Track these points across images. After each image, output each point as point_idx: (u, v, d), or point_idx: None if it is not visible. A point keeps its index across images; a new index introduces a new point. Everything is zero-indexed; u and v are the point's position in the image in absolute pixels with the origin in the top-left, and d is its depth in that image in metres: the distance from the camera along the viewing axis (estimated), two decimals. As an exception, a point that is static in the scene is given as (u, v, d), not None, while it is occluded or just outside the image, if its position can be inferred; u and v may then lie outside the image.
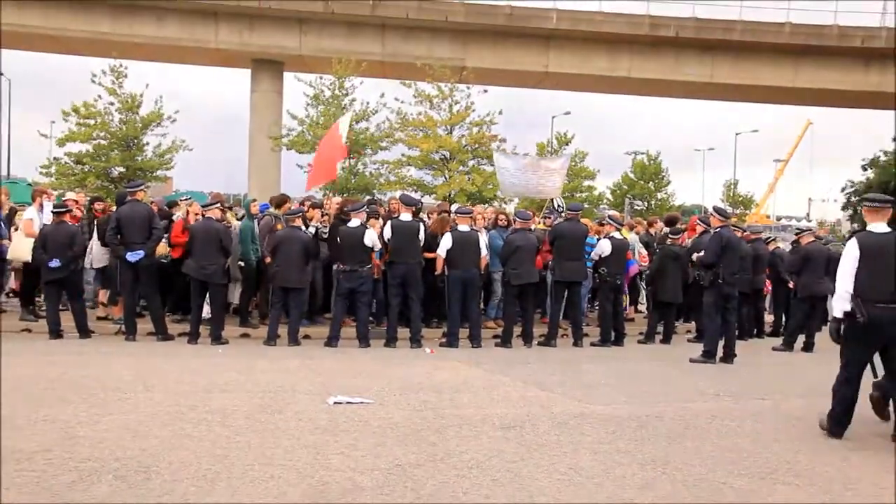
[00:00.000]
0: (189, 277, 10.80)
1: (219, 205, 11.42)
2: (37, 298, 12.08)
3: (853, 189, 45.55)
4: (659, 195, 40.43)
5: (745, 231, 13.79)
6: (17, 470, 4.68)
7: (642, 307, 15.53)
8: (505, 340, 11.53)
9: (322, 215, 12.18)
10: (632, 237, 14.02)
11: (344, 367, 9.06)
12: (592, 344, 11.98)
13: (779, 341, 12.78)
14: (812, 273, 12.23)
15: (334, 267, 11.69)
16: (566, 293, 11.95)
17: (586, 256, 12.05)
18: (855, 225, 40.61)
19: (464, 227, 11.36)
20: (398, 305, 11.15)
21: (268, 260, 11.19)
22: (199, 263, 10.60)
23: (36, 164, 21.73)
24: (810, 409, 7.31)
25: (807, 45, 35.47)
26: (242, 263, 11.53)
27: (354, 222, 10.97)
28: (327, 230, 11.93)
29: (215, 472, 4.75)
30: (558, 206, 14.75)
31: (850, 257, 6.26)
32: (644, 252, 14.24)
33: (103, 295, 12.04)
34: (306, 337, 11.27)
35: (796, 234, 14.49)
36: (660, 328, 13.06)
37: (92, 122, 20.29)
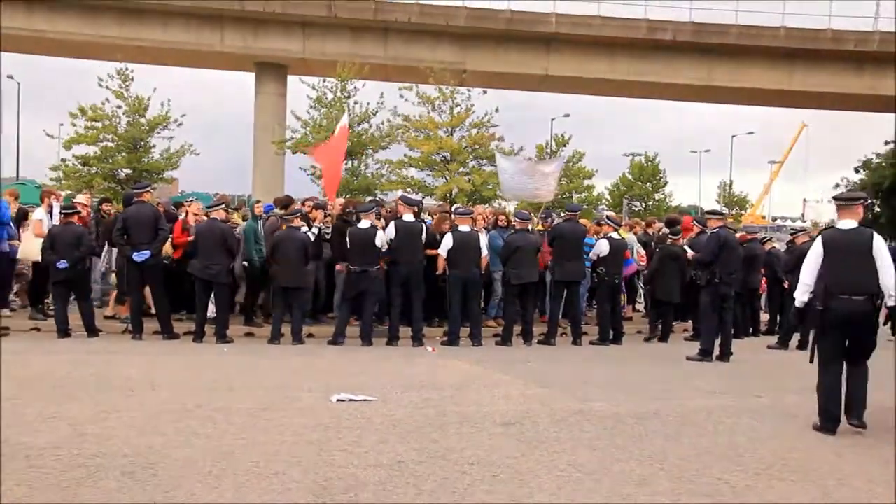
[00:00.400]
0: (194, 277, 10.80)
1: (223, 206, 11.43)
2: (46, 300, 12.09)
3: (847, 189, 45.51)
4: (656, 196, 40.49)
5: (741, 231, 13.78)
6: (26, 466, 4.69)
7: (640, 306, 15.54)
8: (505, 339, 11.53)
9: (325, 216, 12.18)
10: (629, 237, 14.02)
11: (347, 365, 9.06)
12: (591, 342, 11.98)
13: (774, 340, 12.77)
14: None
15: (336, 267, 11.70)
16: (565, 292, 11.95)
17: (585, 256, 12.05)
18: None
19: (464, 228, 11.36)
20: (400, 305, 11.16)
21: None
22: (204, 263, 10.62)
23: (43, 166, 21.81)
24: (805, 407, 7.30)
25: (801, 48, 35.44)
26: (246, 264, 11.53)
27: (364, 223, 10.96)
28: (330, 230, 11.92)
29: (221, 469, 4.76)
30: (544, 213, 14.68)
31: (813, 253, 6.63)
32: (642, 252, 14.25)
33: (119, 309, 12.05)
34: (310, 336, 11.27)
35: (791, 235, 14.49)
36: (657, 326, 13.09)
37: (99, 124, 20.28)
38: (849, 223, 6.61)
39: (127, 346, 10.18)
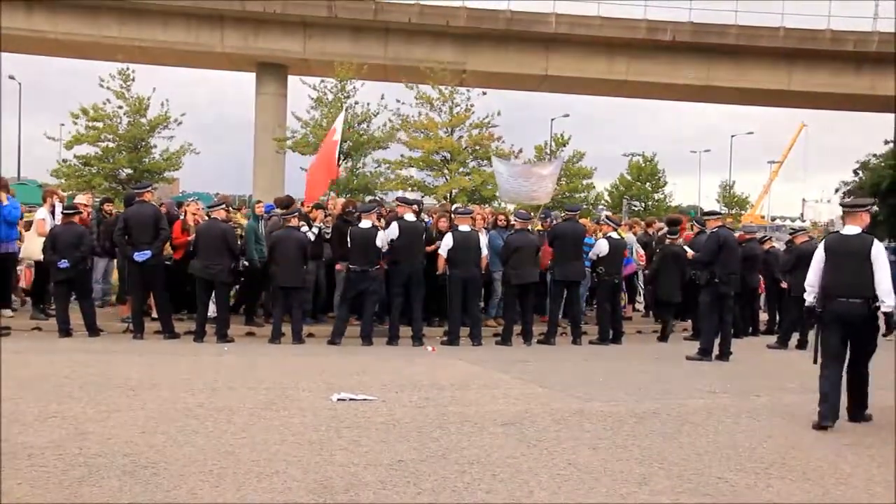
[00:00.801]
0: (195, 277, 10.81)
1: (224, 206, 11.43)
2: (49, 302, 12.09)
3: (846, 190, 45.52)
4: (656, 196, 40.44)
5: (739, 231, 13.78)
6: (28, 465, 4.69)
7: (640, 306, 15.55)
8: (505, 339, 11.54)
9: (325, 216, 12.18)
10: (629, 237, 14.02)
11: (347, 364, 9.06)
12: (591, 342, 11.98)
13: (773, 339, 12.78)
14: (806, 272, 12.18)
15: (336, 266, 11.71)
16: (565, 292, 11.96)
17: (584, 256, 12.06)
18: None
19: (464, 228, 11.37)
20: (401, 305, 11.17)
21: None
22: (205, 263, 10.63)
23: (45, 166, 21.86)
24: (804, 406, 7.33)
25: (800, 48, 35.48)
26: (247, 263, 11.53)
27: (365, 223, 10.96)
28: (330, 230, 11.92)
29: (221, 468, 4.76)
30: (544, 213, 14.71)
31: (816, 257, 7.05)
32: (641, 251, 14.26)
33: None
34: (310, 335, 11.27)
35: (791, 235, 14.48)
36: (657, 326, 13.10)
37: (100, 124, 20.31)
38: (852, 229, 6.91)
39: (128, 346, 10.18)
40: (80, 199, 12.38)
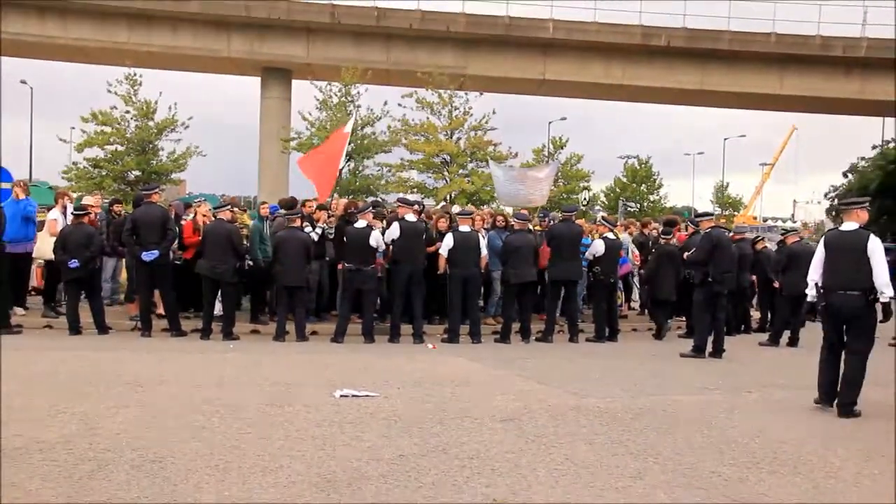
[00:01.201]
0: (202, 276, 10.81)
1: (230, 207, 11.44)
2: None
3: (835, 193, 45.57)
4: (651, 198, 40.41)
5: (730, 232, 13.76)
6: (40, 459, 4.70)
7: (635, 304, 15.55)
8: (504, 336, 11.53)
9: (328, 216, 12.18)
10: (624, 237, 14.02)
11: (350, 361, 9.06)
12: (588, 340, 11.97)
13: (765, 337, 12.77)
14: (797, 271, 12.15)
15: (338, 266, 11.70)
16: (562, 291, 11.96)
17: (581, 256, 12.05)
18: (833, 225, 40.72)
19: (464, 228, 11.37)
20: (402, 303, 11.16)
21: None
22: (211, 263, 10.63)
23: (56, 169, 21.88)
24: (795, 402, 7.37)
25: (791, 53, 35.51)
26: (251, 263, 11.51)
27: (360, 223, 10.97)
28: (333, 231, 11.92)
29: (227, 462, 4.76)
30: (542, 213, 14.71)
31: (817, 253, 7.32)
32: (636, 252, 14.25)
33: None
34: (314, 333, 11.27)
35: (782, 235, 14.47)
36: (652, 324, 13.10)
37: (109, 128, 20.32)
38: (850, 225, 7.11)
39: (136, 343, 10.18)
40: (88, 200, 12.39)
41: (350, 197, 17.23)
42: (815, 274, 7.22)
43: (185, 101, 21.17)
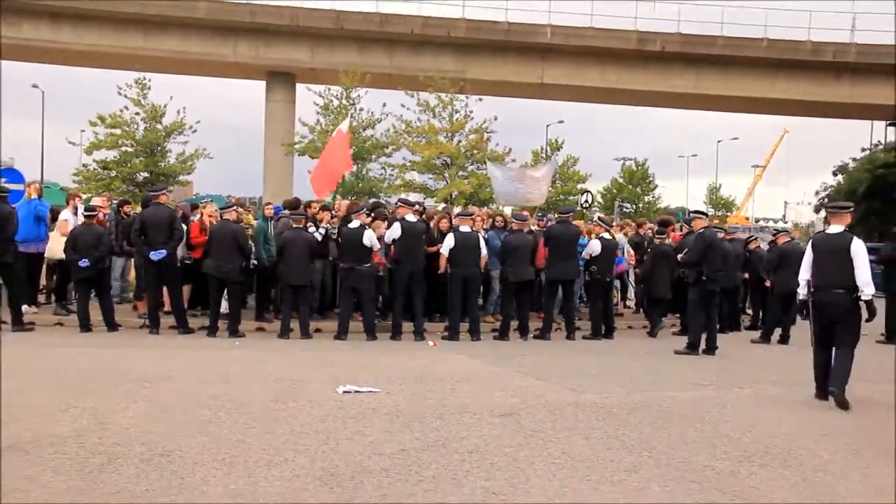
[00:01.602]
0: (208, 275, 10.82)
1: (235, 207, 11.44)
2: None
3: (826, 193, 45.57)
4: (646, 198, 40.44)
5: (724, 231, 13.77)
6: (51, 453, 4.71)
7: (631, 303, 15.55)
8: (503, 334, 11.54)
9: (331, 217, 12.19)
10: (620, 238, 14.02)
11: (352, 358, 9.07)
12: (584, 337, 11.96)
13: (757, 335, 12.77)
14: (787, 270, 12.14)
15: (339, 265, 11.71)
16: (559, 290, 11.96)
17: (578, 256, 12.06)
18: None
19: (465, 228, 11.37)
20: (403, 302, 11.17)
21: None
22: (218, 262, 10.64)
23: (67, 171, 21.92)
24: (786, 397, 7.39)
25: (783, 58, 35.51)
26: (255, 262, 11.51)
27: (354, 223, 10.98)
28: (336, 231, 11.93)
29: (233, 456, 4.77)
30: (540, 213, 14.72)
31: (806, 254, 7.59)
32: (631, 251, 14.26)
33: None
34: (317, 331, 11.28)
35: (773, 235, 14.48)
36: (647, 322, 13.10)
37: (118, 130, 20.34)
38: (836, 228, 7.40)
39: (145, 341, 10.19)
40: (97, 201, 12.39)
41: (353, 198, 17.24)
42: (805, 273, 7.46)
43: (190, 103, 21.21)
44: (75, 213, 11.74)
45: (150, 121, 20.55)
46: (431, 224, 12.21)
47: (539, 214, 14.00)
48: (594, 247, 11.95)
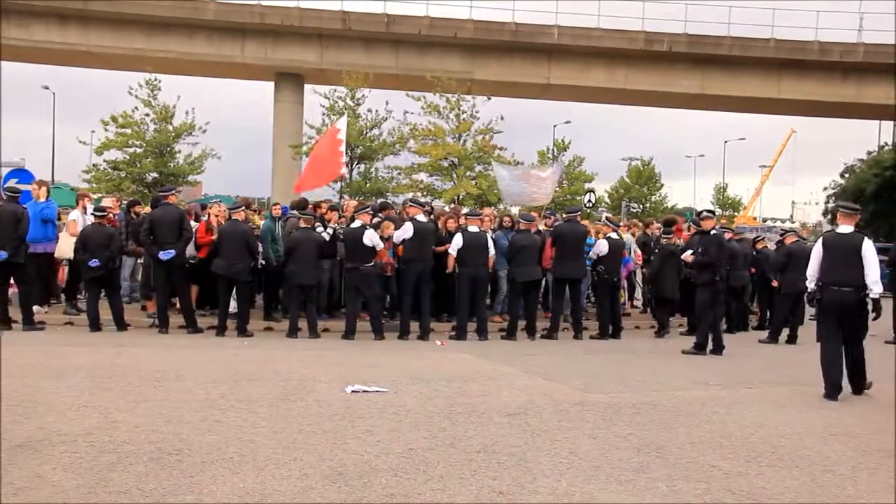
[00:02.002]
0: (217, 275, 10.84)
1: (244, 207, 11.45)
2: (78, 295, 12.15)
3: (833, 193, 45.40)
4: (653, 198, 40.39)
5: (731, 231, 13.74)
6: (62, 451, 4.72)
7: (638, 302, 15.52)
8: (510, 334, 11.53)
9: (339, 217, 12.20)
10: (627, 237, 13.99)
11: (360, 358, 9.07)
12: (591, 337, 11.96)
13: (765, 334, 12.73)
14: (795, 270, 12.12)
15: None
16: (567, 290, 11.95)
17: (586, 256, 12.04)
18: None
19: (473, 229, 11.37)
20: (411, 301, 11.17)
21: None
22: (227, 262, 10.66)
23: (77, 171, 22.01)
24: (794, 397, 7.35)
25: (790, 59, 35.37)
26: (263, 262, 11.52)
27: (357, 223, 10.99)
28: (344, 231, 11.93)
29: (242, 455, 4.77)
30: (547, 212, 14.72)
31: (815, 252, 7.73)
32: (638, 251, 14.22)
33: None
34: (325, 330, 11.29)
35: (781, 235, 14.42)
36: (654, 322, 13.07)
37: (128, 130, 20.42)
38: (846, 228, 7.57)
39: (154, 340, 10.22)
40: (107, 201, 12.43)
41: (360, 198, 17.25)
42: (812, 270, 7.63)
43: (198, 104, 21.32)
44: (84, 213, 11.78)
45: (160, 121, 20.62)
46: (439, 224, 12.22)
47: (547, 213, 14.00)
48: (602, 246, 11.93)
